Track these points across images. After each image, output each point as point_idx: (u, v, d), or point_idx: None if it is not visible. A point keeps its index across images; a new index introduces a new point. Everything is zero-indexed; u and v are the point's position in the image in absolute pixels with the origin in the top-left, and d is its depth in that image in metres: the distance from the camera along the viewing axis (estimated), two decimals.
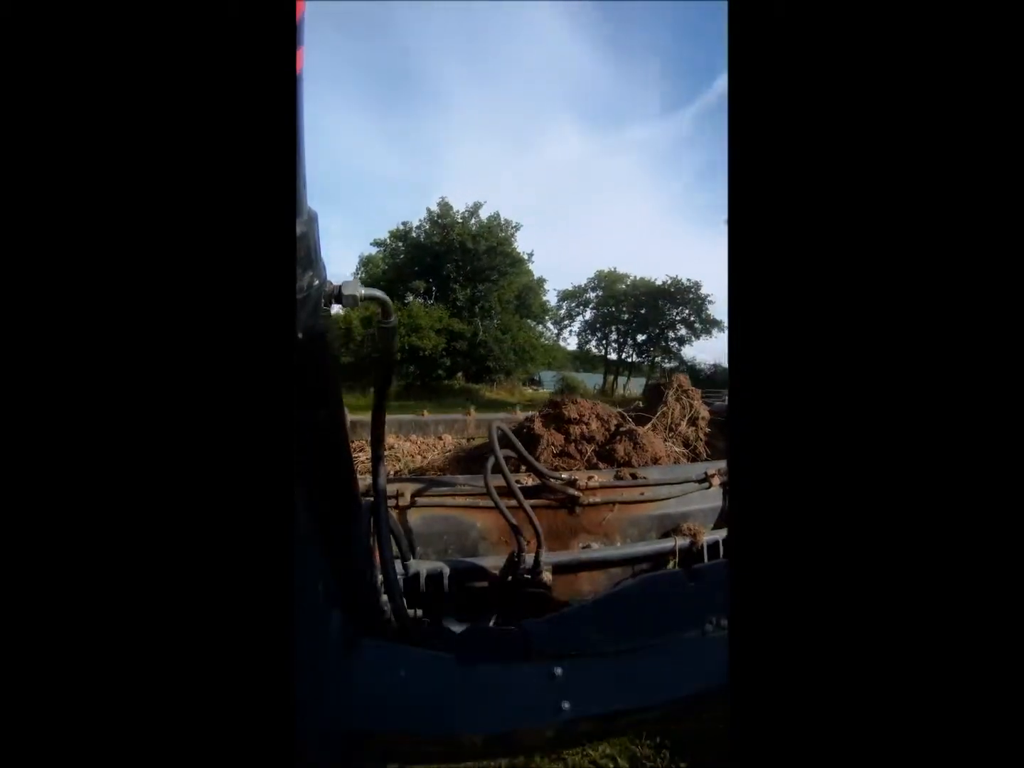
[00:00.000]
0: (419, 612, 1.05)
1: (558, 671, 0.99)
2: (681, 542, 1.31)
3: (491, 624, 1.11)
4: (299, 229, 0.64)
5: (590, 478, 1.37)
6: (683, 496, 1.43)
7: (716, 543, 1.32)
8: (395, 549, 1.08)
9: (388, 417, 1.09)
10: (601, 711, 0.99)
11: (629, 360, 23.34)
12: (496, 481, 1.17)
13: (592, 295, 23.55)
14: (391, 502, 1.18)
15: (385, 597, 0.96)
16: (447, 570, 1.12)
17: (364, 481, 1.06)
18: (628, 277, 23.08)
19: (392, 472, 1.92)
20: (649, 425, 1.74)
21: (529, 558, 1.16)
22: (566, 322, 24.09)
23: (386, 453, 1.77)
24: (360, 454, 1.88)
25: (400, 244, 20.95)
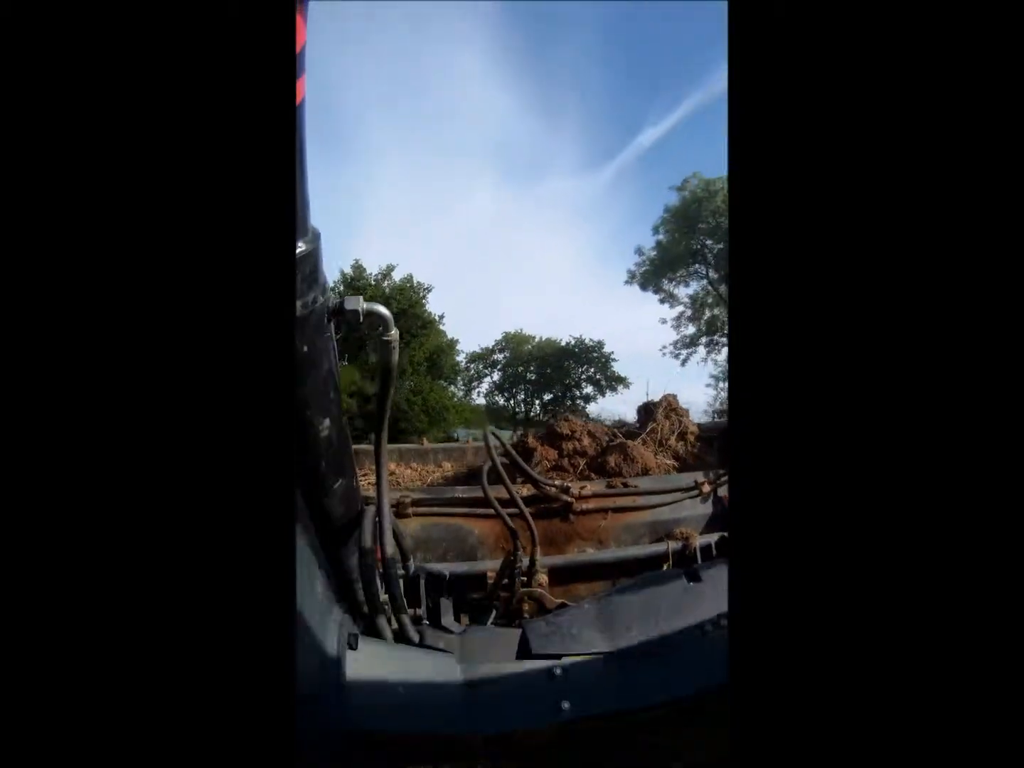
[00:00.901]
0: (419, 612, 1.07)
1: (558, 671, 1.00)
2: (674, 545, 1.34)
3: (490, 624, 1.12)
4: (305, 247, 0.72)
5: (583, 487, 1.42)
6: (674, 503, 1.47)
7: (709, 545, 1.35)
8: (396, 551, 1.11)
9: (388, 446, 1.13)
10: (601, 711, 0.99)
11: (536, 419, 23.64)
12: (496, 492, 1.21)
13: (500, 356, 24.25)
14: (392, 510, 1.22)
15: (386, 596, 0.98)
16: (447, 573, 1.14)
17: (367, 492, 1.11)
18: (534, 338, 23.98)
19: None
20: (639, 440, 1.80)
21: (526, 561, 1.19)
22: (475, 383, 24.76)
23: (388, 478, 1.80)
24: (363, 479, 1.91)
25: None
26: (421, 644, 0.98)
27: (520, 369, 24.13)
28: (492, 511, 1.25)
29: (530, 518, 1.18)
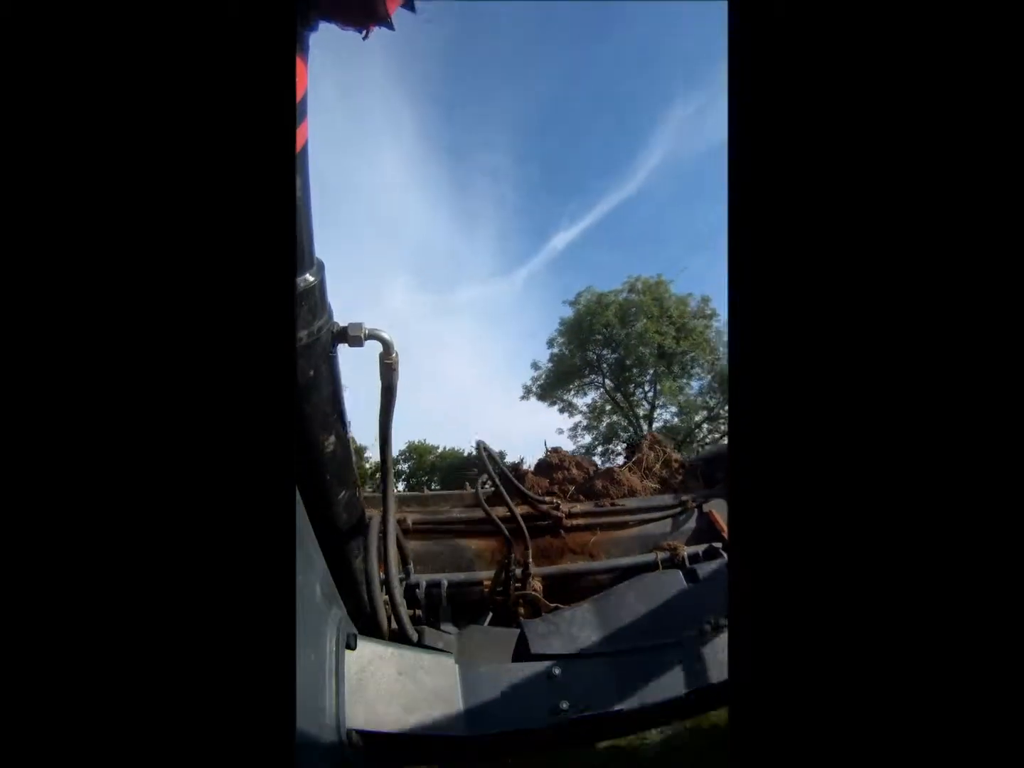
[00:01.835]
0: (418, 612, 1.09)
1: (557, 671, 1.01)
2: (663, 555, 1.39)
3: (487, 625, 1.13)
4: (311, 279, 0.83)
5: (572, 507, 1.49)
6: (661, 519, 1.54)
7: (696, 555, 1.40)
8: (397, 554, 1.14)
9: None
10: (600, 711, 0.99)
11: None
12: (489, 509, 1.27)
13: (404, 466, 24.11)
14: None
15: (386, 598, 1.00)
16: (445, 581, 1.18)
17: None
18: (437, 448, 23.72)
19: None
20: (626, 466, 1.88)
21: (519, 572, 1.23)
22: (378, 492, 23.89)
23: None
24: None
25: None
26: (420, 644, 0.99)
27: (424, 478, 23.60)
28: (488, 528, 1.31)
29: (523, 523, 1.24)
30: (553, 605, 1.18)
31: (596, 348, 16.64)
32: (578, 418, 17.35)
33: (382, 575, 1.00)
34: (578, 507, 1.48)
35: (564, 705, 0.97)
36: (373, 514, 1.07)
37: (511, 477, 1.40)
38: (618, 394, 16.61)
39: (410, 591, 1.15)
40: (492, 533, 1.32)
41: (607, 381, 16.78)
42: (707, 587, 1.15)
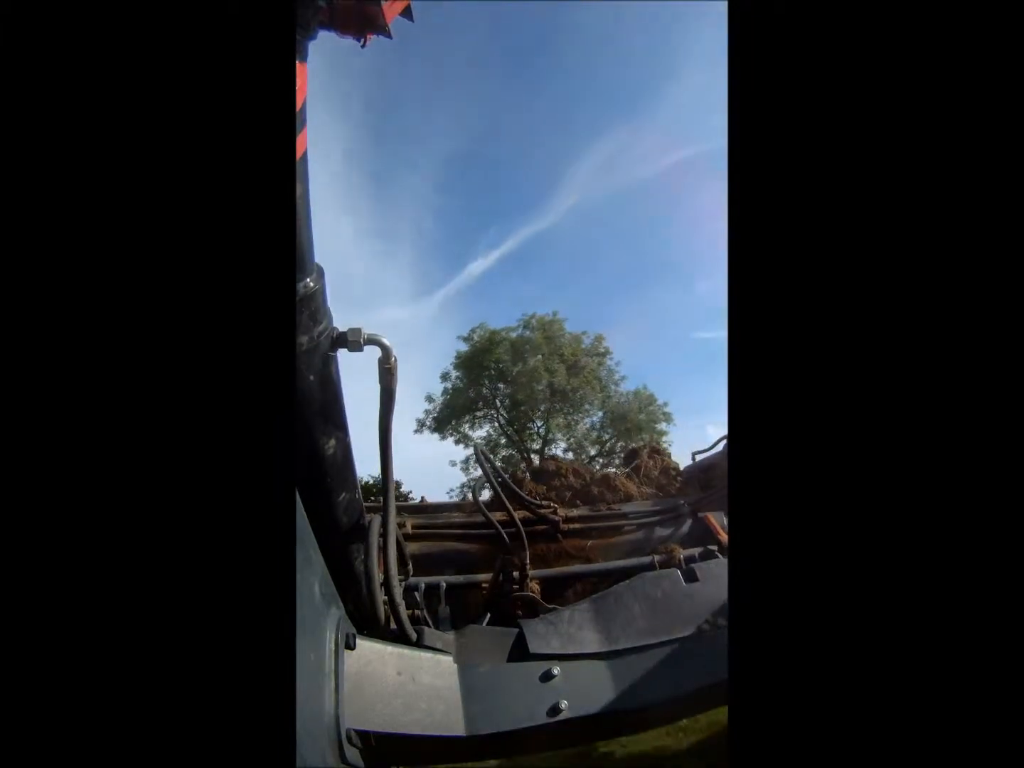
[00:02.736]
0: (418, 613, 1.09)
1: (556, 671, 1.02)
2: (659, 558, 1.40)
3: (486, 625, 1.13)
4: (312, 285, 0.85)
5: (569, 512, 1.51)
6: (657, 523, 1.55)
7: (692, 557, 1.41)
8: (397, 555, 1.15)
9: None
10: (599, 710, 0.99)
11: None
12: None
13: None
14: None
15: (385, 598, 1.00)
16: (443, 583, 1.19)
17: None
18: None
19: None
20: (623, 472, 1.91)
21: (516, 575, 1.24)
22: None
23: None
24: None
25: None
26: (419, 644, 0.99)
27: None
28: (486, 532, 1.33)
29: (520, 524, 1.26)
30: (551, 607, 1.19)
31: (490, 383, 16.44)
32: (470, 451, 16.63)
33: (381, 576, 1.01)
34: (575, 512, 1.49)
35: (563, 705, 0.97)
36: (373, 516, 1.08)
37: (509, 483, 1.42)
38: (511, 428, 16.37)
39: (409, 592, 1.15)
40: (490, 537, 1.34)
41: (501, 415, 16.53)
42: (705, 587, 1.15)
